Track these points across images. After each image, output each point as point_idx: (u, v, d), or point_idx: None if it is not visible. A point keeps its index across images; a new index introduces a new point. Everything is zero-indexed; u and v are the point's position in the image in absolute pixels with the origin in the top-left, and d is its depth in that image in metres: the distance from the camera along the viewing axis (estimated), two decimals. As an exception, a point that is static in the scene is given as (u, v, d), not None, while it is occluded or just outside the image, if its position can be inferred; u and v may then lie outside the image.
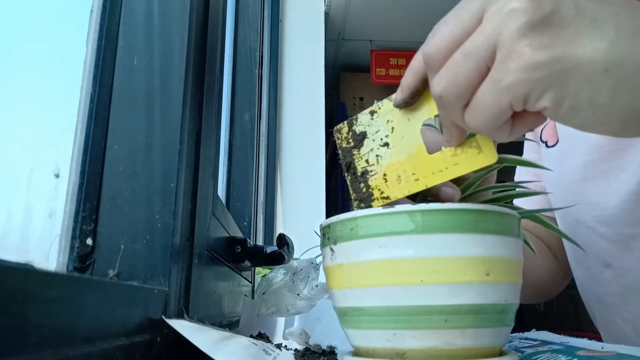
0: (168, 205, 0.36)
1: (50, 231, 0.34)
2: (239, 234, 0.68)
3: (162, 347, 0.32)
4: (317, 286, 0.59)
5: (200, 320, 0.39)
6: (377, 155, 0.35)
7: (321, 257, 0.36)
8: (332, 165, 2.72)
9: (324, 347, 0.47)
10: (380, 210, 0.31)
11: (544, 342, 0.47)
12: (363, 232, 0.31)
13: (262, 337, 0.57)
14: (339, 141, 0.37)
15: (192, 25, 0.40)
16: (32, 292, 0.18)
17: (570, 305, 2.62)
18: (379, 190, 0.35)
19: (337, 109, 2.77)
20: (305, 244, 0.71)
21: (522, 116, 0.29)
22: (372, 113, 0.36)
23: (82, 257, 0.34)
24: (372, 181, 0.36)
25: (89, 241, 0.34)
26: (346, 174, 0.37)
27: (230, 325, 0.60)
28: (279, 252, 0.64)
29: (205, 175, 0.45)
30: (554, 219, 0.68)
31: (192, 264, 0.40)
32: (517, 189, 0.44)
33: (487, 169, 0.38)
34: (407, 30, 2.47)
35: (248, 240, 0.63)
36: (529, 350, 0.42)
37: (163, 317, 0.32)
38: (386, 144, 0.35)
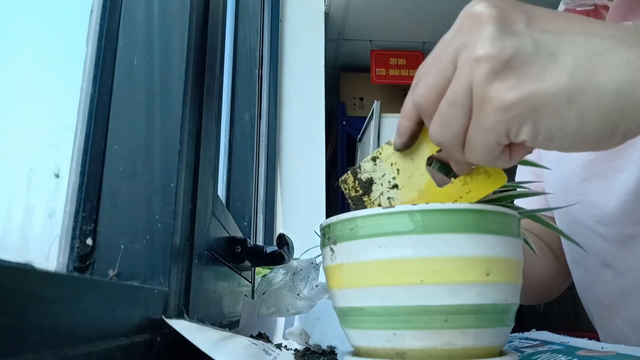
0: (168, 205, 0.36)
1: (50, 231, 0.34)
2: (239, 234, 0.68)
3: (162, 347, 0.32)
4: (317, 286, 0.59)
5: (200, 320, 0.39)
6: (388, 198, 0.36)
7: (321, 257, 0.36)
8: (332, 165, 2.72)
9: (324, 347, 0.47)
10: (380, 210, 0.31)
11: (544, 342, 0.47)
12: (363, 232, 0.31)
13: (262, 337, 0.57)
14: (347, 191, 0.38)
15: (192, 25, 0.40)
16: (32, 292, 0.18)
17: (570, 305, 2.62)
18: None
19: (337, 109, 2.77)
20: (305, 244, 0.71)
21: (516, 144, 0.32)
22: (374, 159, 0.37)
23: (82, 257, 0.34)
24: None
25: (89, 241, 0.34)
26: None
27: (230, 325, 0.60)
28: (279, 252, 0.64)
29: (205, 175, 0.45)
30: (553, 219, 0.68)
31: (192, 264, 0.40)
32: (517, 189, 0.44)
33: None
34: (407, 30, 2.47)
35: (248, 240, 0.63)
36: (529, 350, 0.42)
37: (163, 317, 0.32)
38: (395, 186, 0.36)
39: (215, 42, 0.50)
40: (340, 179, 0.38)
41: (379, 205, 0.37)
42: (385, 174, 0.37)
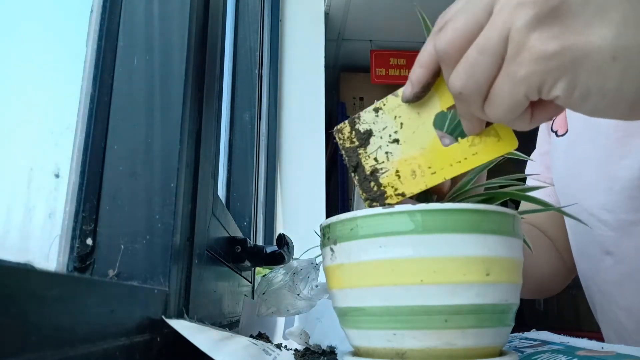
0: (168, 205, 0.36)
1: (50, 231, 0.34)
2: (239, 234, 0.68)
3: (162, 347, 0.32)
4: (317, 286, 0.59)
5: (200, 320, 0.39)
6: (386, 152, 0.35)
7: (321, 257, 0.36)
8: (332, 165, 2.72)
9: (324, 347, 0.47)
10: (380, 210, 0.31)
11: (544, 342, 0.47)
12: (363, 232, 0.31)
13: (262, 337, 0.57)
14: (341, 142, 0.36)
15: (192, 25, 0.40)
16: (32, 292, 0.18)
17: (570, 305, 2.62)
18: (392, 187, 0.35)
19: (337, 109, 2.77)
20: (305, 244, 0.71)
21: (541, 105, 0.30)
22: (376, 110, 0.35)
23: (82, 257, 0.34)
24: (384, 179, 0.35)
25: (89, 241, 0.34)
26: (353, 175, 0.36)
27: (230, 325, 0.60)
28: (279, 252, 0.64)
29: (205, 175, 0.45)
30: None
31: (192, 264, 0.40)
32: (516, 185, 0.44)
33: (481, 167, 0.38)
34: (407, 30, 2.47)
35: (248, 240, 0.63)
36: (529, 350, 0.42)
37: (163, 317, 0.32)
38: (396, 140, 0.34)
39: (215, 42, 0.50)
40: (335, 128, 0.36)
41: (375, 159, 0.35)
42: (386, 126, 0.35)
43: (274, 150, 1.64)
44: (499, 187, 0.39)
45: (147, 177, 0.36)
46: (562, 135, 0.68)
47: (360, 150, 0.35)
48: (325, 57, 1.89)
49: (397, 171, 0.35)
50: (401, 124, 0.34)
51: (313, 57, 1.86)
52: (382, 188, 0.35)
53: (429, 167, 0.34)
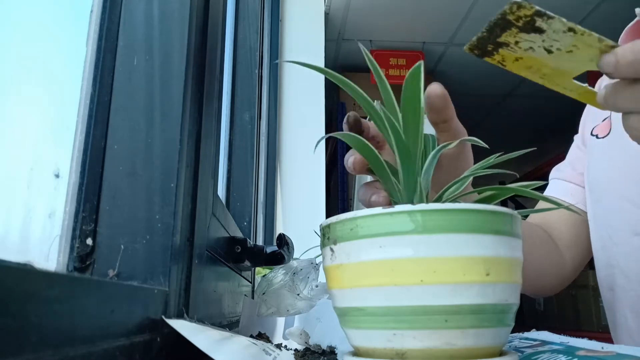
0: (168, 205, 0.36)
1: (50, 231, 0.34)
2: (239, 234, 0.68)
3: (162, 347, 0.32)
4: (317, 286, 0.59)
5: (200, 320, 0.39)
6: (530, 47, 0.36)
7: (321, 257, 0.36)
8: (332, 165, 2.72)
9: (324, 347, 0.47)
10: (380, 210, 0.31)
11: (544, 342, 0.47)
12: (363, 232, 0.31)
13: (262, 337, 0.57)
14: (508, 10, 0.34)
15: (192, 25, 0.40)
16: (32, 292, 0.18)
17: (570, 305, 2.62)
18: (501, 56, 0.37)
19: (337, 109, 2.77)
20: (305, 244, 0.71)
21: None
22: (570, 30, 0.34)
23: (82, 257, 0.34)
24: (504, 51, 0.37)
25: (89, 241, 0.34)
26: (485, 28, 0.36)
27: (230, 325, 0.60)
28: (279, 252, 0.64)
29: (205, 175, 0.45)
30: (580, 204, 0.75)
31: (192, 264, 0.40)
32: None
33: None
34: (407, 30, 2.47)
35: (248, 240, 0.63)
36: (529, 350, 0.42)
37: (163, 317, 0.32)
38: (548, 51, 0.36)
39: (215, 42, 0.50)
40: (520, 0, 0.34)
41: (515, 42, 0.36)
42: (559, 41, 0.35)
43: (274, 150, 1.64)
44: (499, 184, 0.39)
45: (147, 177, 0.36)
46: (603, 137, 0.74)
47: (514, 29, 0.35)
48: (325, 57, 1.90)
49: (521, 58, 0.37)
50: (570, 51, 0.36)
51: (313, 57, 1.86)
52: (494, 51, 0.37)
53: (544, 74, 0.38)
